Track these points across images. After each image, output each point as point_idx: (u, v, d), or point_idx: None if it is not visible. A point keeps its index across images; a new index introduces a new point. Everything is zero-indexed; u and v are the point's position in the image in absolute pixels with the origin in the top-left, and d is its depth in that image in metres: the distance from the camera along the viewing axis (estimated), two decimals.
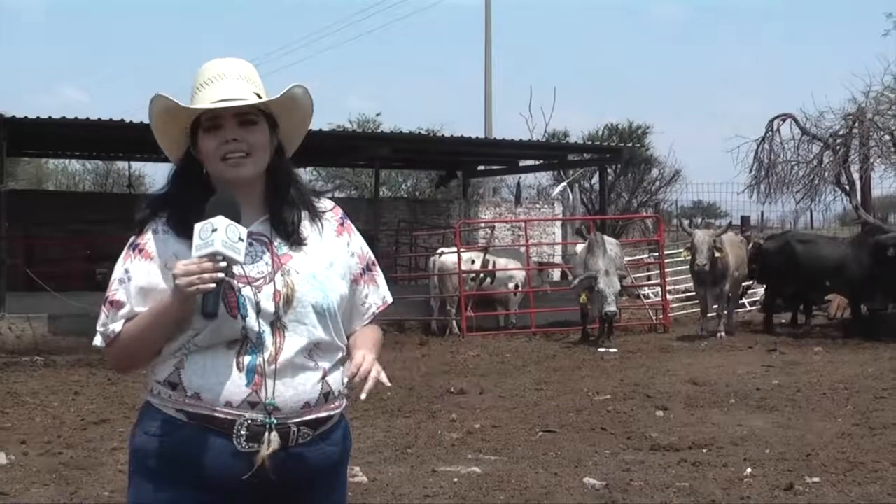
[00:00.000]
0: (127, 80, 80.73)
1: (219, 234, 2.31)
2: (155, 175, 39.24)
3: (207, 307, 2.32)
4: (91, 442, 7.79)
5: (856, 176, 18.92)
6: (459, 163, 24.48)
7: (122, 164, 35.15)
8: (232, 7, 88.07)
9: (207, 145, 2.47)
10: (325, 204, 2.66)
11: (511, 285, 16.63)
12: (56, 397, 9.91)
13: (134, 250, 2.48)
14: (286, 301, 2.43)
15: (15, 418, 8.83)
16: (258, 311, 2.40)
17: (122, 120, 15.89)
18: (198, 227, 2.34)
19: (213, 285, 2.31)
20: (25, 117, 15.30)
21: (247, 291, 2.40)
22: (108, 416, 8.82)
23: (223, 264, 2.32)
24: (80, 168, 42.51)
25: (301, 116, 2.61)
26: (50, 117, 15.53)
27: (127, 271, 2.46)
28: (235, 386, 2.37)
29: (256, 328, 2.39)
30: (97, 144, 21.47)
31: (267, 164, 2.53)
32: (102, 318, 2.47)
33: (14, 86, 69.18)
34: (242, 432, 2.37)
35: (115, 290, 2.45)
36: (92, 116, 15.98)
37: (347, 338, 2.60)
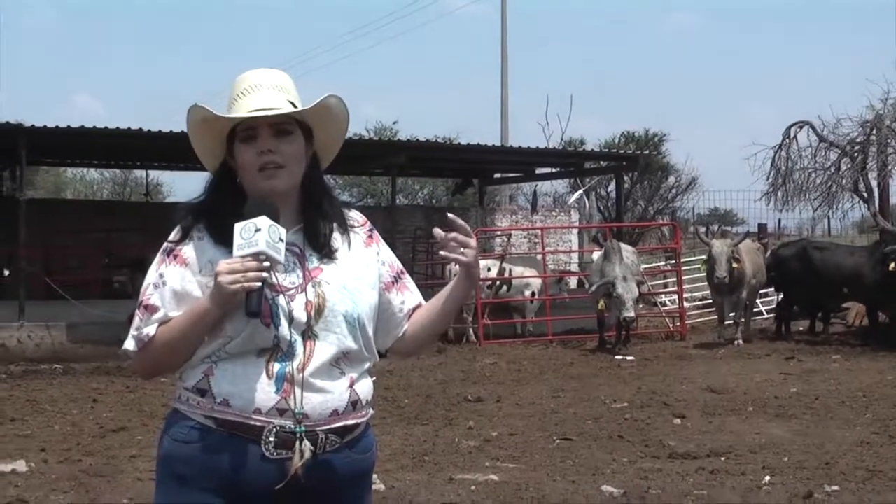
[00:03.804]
0: (141, 88, 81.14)
1: (262, 233, 2.32)
2: (173, 184, 39.67)
3: (251, 306, 2.33)
4: (110, 449, 7.82)
5: (874, 183, 18.86)
6: (476, 170, 24.50)
7: (139, 173, 35.36)
8: (246, 18, 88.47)
9: (244, 157, 2.47)
10: (354, 216, 2.66)
11: (528, 293, 16.61)
12: (75, 405, 9.96)
13: (168, 255, 2.48)
14: (317, 310, 2.43)
15: (34, 426, 8.87)
16: (290, 320, 2.40)
17: (140, 129, 15.86)
18: (238, 226, 2.34)
19: (258, 284, 2.32)
20: (44, 126, 15.38)
21: (280, 300, 2.41)
22: (126, 424, 8.86)
23: (266, 264, 2.34)
24: (99, 177, 42.96)
25: (336, 128, 2.61)
26: (69, 126, 15.59)
27: (161, 276, 2.46)
28: (265, 393, 2.37)
29: (288, 337, 2.40)
30: (115, 153, 21.53)
31: (302, 176, 2.53)
32: (136, 321, 2.46)
33: (30, 96, 69.70)
34: (271, 439, 2.37)
35: (150, 295, 2.45)
36: (109, 125, 16.03)
37: (387, 349, 2.65)
